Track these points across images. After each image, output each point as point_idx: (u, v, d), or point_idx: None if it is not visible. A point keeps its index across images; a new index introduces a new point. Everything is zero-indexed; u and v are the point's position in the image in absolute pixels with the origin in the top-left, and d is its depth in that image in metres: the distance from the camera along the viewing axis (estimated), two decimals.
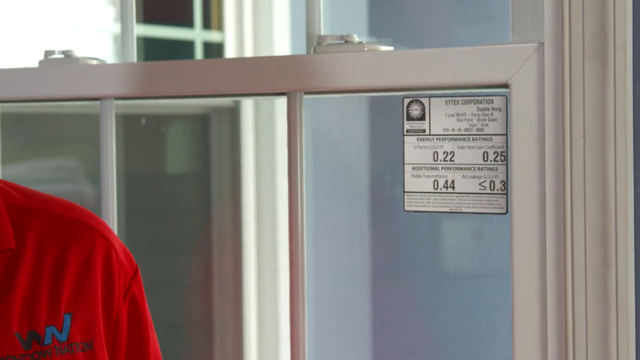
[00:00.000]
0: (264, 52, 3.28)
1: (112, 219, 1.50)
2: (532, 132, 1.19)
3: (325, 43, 1.33)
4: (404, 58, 1.27)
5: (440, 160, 1.25)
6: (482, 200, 1.23)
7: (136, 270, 1.25)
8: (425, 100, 1.26)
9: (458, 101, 1.24)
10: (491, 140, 1.22)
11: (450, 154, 1.24)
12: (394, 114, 1.29)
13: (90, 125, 1.65)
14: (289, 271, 1.38)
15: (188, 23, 3.33)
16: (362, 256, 1.95)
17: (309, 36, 1.37)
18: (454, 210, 1.23)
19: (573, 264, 1.17)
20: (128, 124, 2.43)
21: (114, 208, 1.51)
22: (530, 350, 1.21)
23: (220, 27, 3.33)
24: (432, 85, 1.26)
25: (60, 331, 1.17)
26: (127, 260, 1.24)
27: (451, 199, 1.24)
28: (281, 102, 1.38)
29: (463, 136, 1.23)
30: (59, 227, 1.20)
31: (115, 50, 3.18)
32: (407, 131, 1.27)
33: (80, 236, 1.21)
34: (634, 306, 1.16)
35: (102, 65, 1.52)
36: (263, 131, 2.84)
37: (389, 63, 1.28)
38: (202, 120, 2.88)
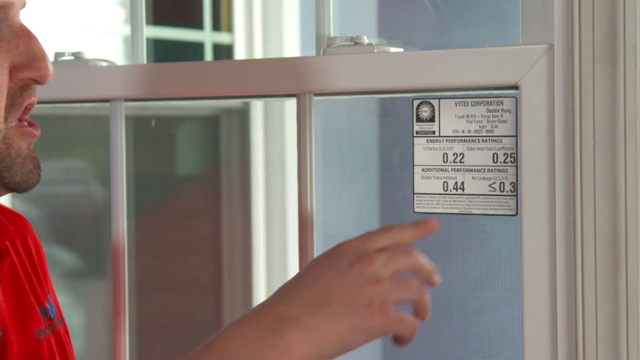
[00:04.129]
0: (273, 54, 3.28)
1: (122, 220, 1.51)
2: (542, 134, 1.19)
3: (335, 44, 1.33)
4: (413, 59, 1.27)
5: (450, 162, 1.24)
6: (491, 201, 1.23)
7: None
8: (434, 102, 1.25)
9: (468, 102, 1.24)
10: (501, 141, 1.22)
11: (460, 155, 1.24)
12: (404, 115, 1.29)
13: (100, 127, 1.66)
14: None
15: (197, 25, 3.33)
16: None
17: (319, 37, 1.37)
18: (464, 212, 1.23)
19: (583, 265, 1.17)
20: (138, 125, 2.43)
21: (124, 209, 1.51)
22: (540, 352, 1.20)
23: (229, 29, 3.33)
24: (441, 87, 1.26)
25: (52, 306, 1.27)
26: None
27: (461, 201, 1.24)
28: (291, 104, 1.38)
29: (473, 138, 1.23)
30: (10, 219, 1.28)
31: (125, 51, 3.18)
32: (417, 133, 1.26)
33: (25, 225, 1.31)
34: None
35: (112, 67, 1.52)
36: (273, 133, 2.84)
37: (399, 64, 1.28)
38: (211, 122, 2.88)
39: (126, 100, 1.50)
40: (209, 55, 3.33)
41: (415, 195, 1.30)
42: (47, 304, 1.25)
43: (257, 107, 2.82)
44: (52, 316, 1.25)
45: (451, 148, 1.24)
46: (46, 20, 2.76)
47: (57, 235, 2.69)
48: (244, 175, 2.86)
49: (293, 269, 2.64)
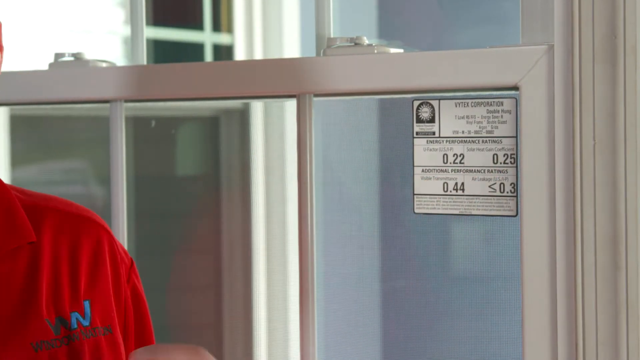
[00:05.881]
0: (273, 54, 3.28)
1: (121, 220, 1.51)
2: (542, 135, 1.19)
3: (335, 45, 1.33)
4: (413, 60, 1.27)
5: (450, 163, 1.25)
6: (491, 202, 1.23)
7: (132, 262, 1.32)
8: (435, 103, 1.25)
9: (468, 103, 1.24)
10: (501, 142, 1.22)
11: (460, 156, 1.24)
12: (404, 116, 1.29)
13: (100, 128, 1.66)
14: (298, 273, 1.38)
15: (198, 25, 3.33)
16: (371, 259, 1.95)
17: (319, 38, 1.37)
18: (464, 213, 1.23)
19: (583, 266, 1.17)
20: (138, 126, 2.43)
21: (124, 210, 1.51)
22: (540, 353, 1.20)
23: (229, 30, 3.33)
24: (441, 88, 1.26)
25: (84, 317, 1.23)
26: (124, 252, 1.32)
27: (461, 202, 1.24)
28: (291, 105, 1.38)
29: (473, 138, 1.23)
30: (68, 222, 1.26)
31: (125, 52, 3.18)
32: (417, 133, 1.27)
33: (87, 229, 1.27)
34: None
35: (112, 68, 1.52)
36: (273, 133, 2.84)
37: (399, 65, 1.28)
38: (211, 123, 2.88)
39: (126, 101, 1.50)
40: (209, 56, 3.33)
41: (415, 196, 1.30)
42: (73, 314, 1.22)
43: (257, 108, 2.82)
44: (73, 327, 1.22)
45: (451, 149, 1.24)
46: (46, 20, 2.76)
47: None
48: (244, 175, 2.86)
49: (293, 269, 2.64)
